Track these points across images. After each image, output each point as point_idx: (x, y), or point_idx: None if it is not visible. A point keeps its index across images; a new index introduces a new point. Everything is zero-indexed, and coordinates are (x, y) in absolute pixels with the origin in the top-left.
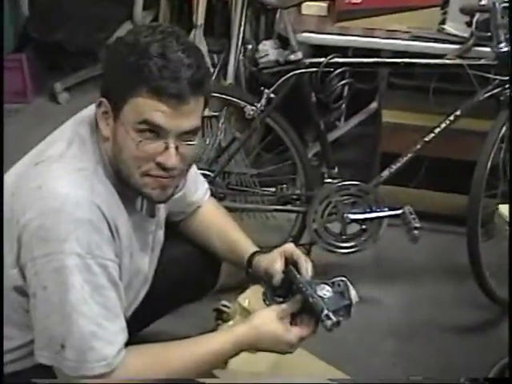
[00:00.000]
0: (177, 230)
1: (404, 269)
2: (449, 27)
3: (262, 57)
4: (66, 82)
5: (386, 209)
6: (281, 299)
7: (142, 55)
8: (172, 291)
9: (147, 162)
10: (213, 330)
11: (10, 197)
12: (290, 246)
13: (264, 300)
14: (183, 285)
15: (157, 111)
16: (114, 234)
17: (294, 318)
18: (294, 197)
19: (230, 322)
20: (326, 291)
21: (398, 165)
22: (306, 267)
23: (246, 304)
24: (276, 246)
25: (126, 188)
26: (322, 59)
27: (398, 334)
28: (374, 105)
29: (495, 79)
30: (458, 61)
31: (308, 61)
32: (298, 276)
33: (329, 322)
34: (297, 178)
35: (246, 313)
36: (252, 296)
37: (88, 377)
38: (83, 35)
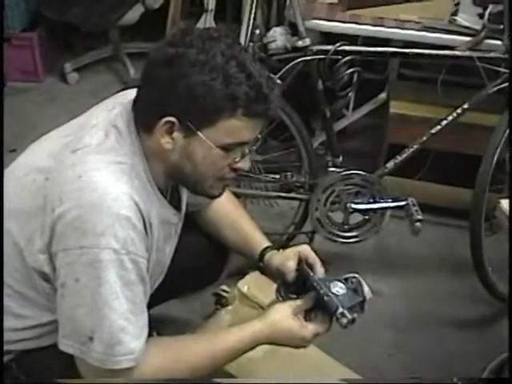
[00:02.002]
0: (190, 221)
1: (405, 260)
2: (460, 19)
3: (269, 42)
4: (76, 62)
5: (390, 200)
6: (294, 296)
7: (228, 78)
8: (177, 279)
9: (224, 169)
10: (211, 315)
11: (43, 181)
12: (306, 248)
13: (277, 296)
14: (188, 273)
15: (249, 131)
16: (147, 230)
17: (308, 314)
18: (298, 184)
19: (229, 307)
20: (339, 288)
21: (404, 156)
22: (321, 270)
23: (245, 290)
24: (280, 234)
25: (165, 183)
26: (329, 46)
27: (396, 325)
28: (382, 95)
29: (504, 73)
30: (467, 53)
31: (316, 48)
32: (312, 274)
33: (344, 320)
34: (301, 166)
35: (245, 299)
36: (251, 282)
37: (113, 370)
38: (95, 16)
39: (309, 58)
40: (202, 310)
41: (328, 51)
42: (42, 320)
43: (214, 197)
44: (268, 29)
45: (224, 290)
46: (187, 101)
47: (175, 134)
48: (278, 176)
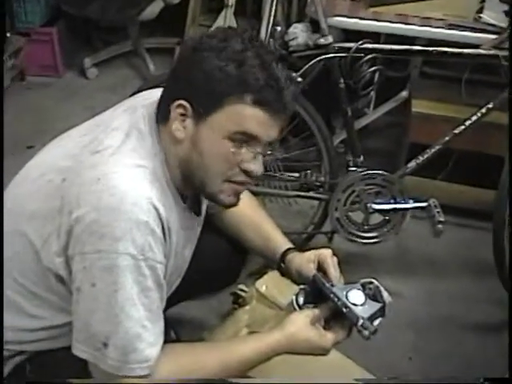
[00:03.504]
0: (208, 222)
1: (425, 262)
2: (486, 16)
3: (291, 39)
4: (96, 57)
5: (411, 201)
6: (311, 305)
7: (242, 63)
8: (195, 281)
9: (232, 169)
10: (228, 314)
11: (61, 181)
12: (326, 252)
13: (293, 305)
14: (206, 275)
15: (257, 122)
16: (166, 235)
17: (327, 322)
18: (318, 184)
19: (247, 307)
20: (358, 297)
21: (426, 156)
22: (336, 275)
23: (263, 289)
24: (298, 233)
25: (184, 187)
26: (352, 44)
27: (416, 328)
28: (404, 93)
29: None
30: (492, 51)
31: (338, 45)
32: (327, 284)
33: (366, 332)
34: (321, 165)
35: (263, 298)
36: (270, 281)
37: (128, 377)
38: (114, 11)
39: (331, 55)
40: (219, 309)
41: (350, 49)
42: (57, 321)
43: (225, 205)
44: (288, 25)
45: (242, 290)
46: (199, 83)
47: (187, 122)
48: (297, 175)
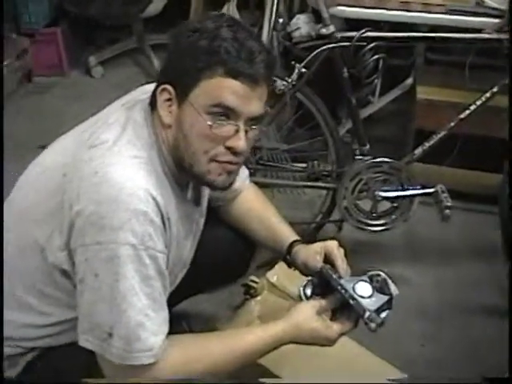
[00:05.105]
0: (215, 215)
1: (435, 248)
2: (489, 0)
3: (293, 31)
4: (100, 55)
5: (418, 187)
6: (318, 297)
7: (215, 38)
8: (205, 274)
9: (216, 147)
10: (240, 306)
11: (61, 177)
12: (332, 244)
13: (301, 295)
14: (216, 268)
15: (232, 93)
16: (165, 225)
17: (333, 313)
18: (325, 173)
19: (258, 298)
20: (365, 289)
21: (432, 142)
22: (344, 267)
23: (274, 280)
24: (308, 223)
25: (181, 176)
26: (354, 33)
27: (427, 315)
28: (409, 81)
29: None
30: (495, 35)
31: (340, 35)
32: (334, 276)
33: (373, 325)
34: (328, 155)
35: (275, 288)
36: (280, 272)
37: (134, 366)
38: (117, 9)
39: (333, 45)
40: (230, 301)
41: (353, 38)
42: (65, 317)
43: (218, 186)
44: (291, 17)
45: (253, 281)
46: (176, 64)
47: (173, 107)
48: (304, 165)
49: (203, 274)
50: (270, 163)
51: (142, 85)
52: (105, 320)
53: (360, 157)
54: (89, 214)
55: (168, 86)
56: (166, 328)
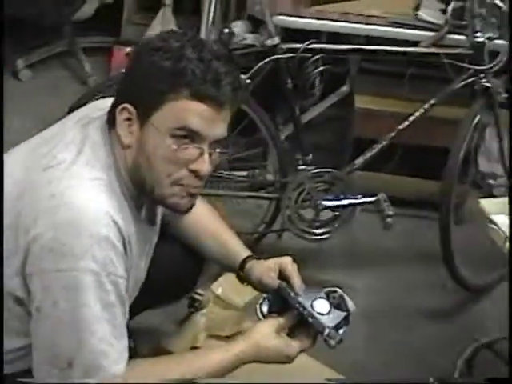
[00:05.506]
0: (164, 231)
1: (376, 254)
2: (423, 13)
3: (231, 37)
4: (29, 58)
5: (360, 196)
6: (275, 314)
7: (179, 58)
8: (152, 290)
9: (179, 170)
10: (186, 319)
11: (14, 199)
12: (286, 260)
13: (258, 314)
14: (163, 284)
15: (197, 116)
16: (126, 249)
17: (291, 330)
18: (268, 183)
19: (204, 310)
20: (322, 306)
21: (373, 152)
22: (299, 284)
23: (219, 292)
24: (250, 233)
25: (138, 197)
26: (299, 45)
27: (370, 319)
28: (344, 88)
29: (469, 68)
30: (433, 49)
31: (286, 46)
32: (292, 294)
33: (332, 342)
34: (269, 164)
35: (219, 300)
36: (225, 284)
37: None
38: (48, 11)
39: (279, 56)
40: (175, 314)
41: (298, 49)
42: (16, 345)
43: (179, 210)
44: (227, 23)
45: (198, 293)
46: (138, 83)
47: (133, 127)
48: (245, 173)
49: (153, 290)
50: (213, 173)
51: (83, 96)
52: (64, 350)
53: (303, 166)
54: (47, 239)
55: (128, 106)
56: (126, 354)
